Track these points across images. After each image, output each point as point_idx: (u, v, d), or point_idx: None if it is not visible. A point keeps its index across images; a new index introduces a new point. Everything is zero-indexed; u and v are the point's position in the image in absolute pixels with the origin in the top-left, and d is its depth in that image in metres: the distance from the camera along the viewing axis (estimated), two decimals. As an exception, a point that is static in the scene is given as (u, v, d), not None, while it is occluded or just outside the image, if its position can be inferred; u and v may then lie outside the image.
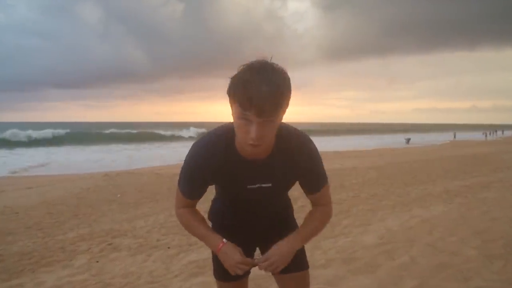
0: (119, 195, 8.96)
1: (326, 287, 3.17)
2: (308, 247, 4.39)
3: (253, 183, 1.47)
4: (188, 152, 1.47)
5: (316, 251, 4.19)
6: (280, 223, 1.77)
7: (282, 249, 1.54)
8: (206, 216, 1.75)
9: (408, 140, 41.13)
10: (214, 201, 1.78)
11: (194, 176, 1.48)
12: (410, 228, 4.90)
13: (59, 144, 38.05)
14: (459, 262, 3.51)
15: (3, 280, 4.01)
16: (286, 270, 1.62)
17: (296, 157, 1.45)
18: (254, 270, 1.71)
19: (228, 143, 1.40)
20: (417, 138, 45.85)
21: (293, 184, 1.58)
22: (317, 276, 3.42)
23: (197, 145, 1.46)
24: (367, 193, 8.23)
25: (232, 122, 1.34)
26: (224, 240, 1.52)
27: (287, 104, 1.27)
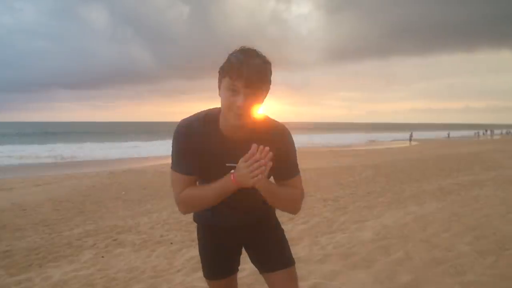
0: (123, 193, 9.03)
1: (323, 281, 3.24)
2: (306, 242, 4.53)
3: (233, 160, 1.44)
4: (173, 133, 1.53)
5: (314, 247, 4.29)
6: (263, 221, 1.75)
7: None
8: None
9: (410, 137, 40.41)
10: None
11: (182, 152, 1.50)
12: (405, 225, 4.99)
13: (67, 142, 38.14)
14: (453, 258, 3.60)
15: (12, 274, 4.07)
16: (273, 268, 1.67)
17: (276, 141, 1.49)
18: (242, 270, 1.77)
19: (210, 121, 1.49)
20: (415, 137, 45.88)
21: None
22: (314, 270, 3.51)
23: (182, 123, 1.52)
24: (363, 191, 8.32)
25: (214, 108, 1.51)
26: (231, 176, 1.42)
27: (269, 84, 1.40)
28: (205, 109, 1.56)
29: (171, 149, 1.55)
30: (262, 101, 1.41)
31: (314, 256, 3.92)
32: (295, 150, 1.62)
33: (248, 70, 1.30)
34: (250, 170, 1.34)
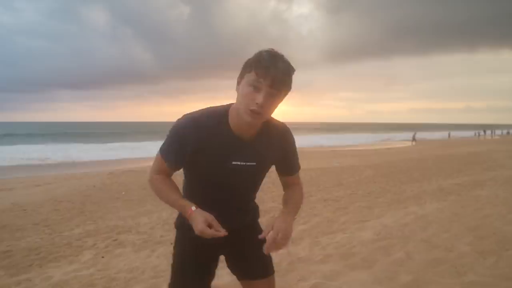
0: (123, 193, 9.02)
1: (324, 281, 3.25)
2: (306, 242, 4.53)
3: (239, 159, 1.50)
4: (178, 121, 1.49)
5: (314, 247, 4.29)
6: (248, 228, 1.75)
7: (285, 222, 1.56)
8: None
9: (414, 137, 40.01)
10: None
11: (179, 142, 1.47)
12: (405, 225, 5.00)
13: (67, 142, 38.32)
14: (453, 258, 3.61)
15: (12, 274, 4.06)
16: (254, 277, 1.73)
17: (281, 140, 1.60)
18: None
19: (221, 120, 1.48)
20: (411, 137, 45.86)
21: (270, 166, 1.67)
22: (315, 271, 3.52)
23: (189, 116, 1.49)
24: (364, 191, 8.32)
25: (221, 105, 1.52)
26: (193, 207, 1.48)
27: (289, 90, 1.44)
28: (211, 106, 1.55)
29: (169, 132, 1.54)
30: (278, 104, 1.44)
31: (314, 256, 3.93)
32: (296, 148, 1.71)
33: (275, 70, 1.33)
34: (199, 231, 1.42)
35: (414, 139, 39.16)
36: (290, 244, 1.49)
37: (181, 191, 1.65)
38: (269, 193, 8.09)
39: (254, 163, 1.54)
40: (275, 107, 1.43)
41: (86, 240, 5.26)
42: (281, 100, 1.44)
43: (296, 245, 4.39)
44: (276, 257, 3.97)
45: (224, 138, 1.47)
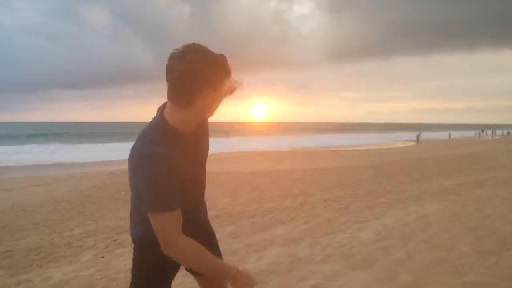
0: (123, 193, 9.02)
1: (324, 282, 3.24)
2: (306, 243, 4.52)
3: (198, 155, 1.54)
4: (143, 172, 1.32)
5: (315, 247, 4.29)
6: (203, 222, 1.79)
7: None
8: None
9: (418, 137, 39.80)
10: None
11: (172, 183, 1.34)
12: (406, 225, 5.00)
13: (67, 142, 38.39)
14: (454, 258, 3.60)
15: (12, 275, 4.07)
16: None
17: (205, 130, 1.63)
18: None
19: (165, 131, 1.39)
20: (414, 137, 45.88)
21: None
22: (315, 271, 3.51)
23: (155, 157, 1.32)
24: (364, 191, 8.32)
25: (153, 121, 1.44)
26: (239, 268, 1.49)
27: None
28: (147, 129, 1.44)
29: (148, 187, 1.32)
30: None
31: (315, 257, 3.93)
32: None
33: (226, 60, 1.35)
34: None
35: (418, 139, 39.07)
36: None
37: (136, 209, 1.56)
38: (269, 193, 8.10)
39: (205, 152, 1.63)
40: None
41: (86, 240, 5.26)
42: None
43: (296, 245, 4.39)
44: (277, 257, 3.97)
45: (181, 142, 1.42)
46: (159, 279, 1.63)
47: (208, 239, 1.74)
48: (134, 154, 1.35)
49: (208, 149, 1.69)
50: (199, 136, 1.55)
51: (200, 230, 1.70)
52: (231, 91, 1.41)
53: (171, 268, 1.66)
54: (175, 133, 1.41)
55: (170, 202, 1.33)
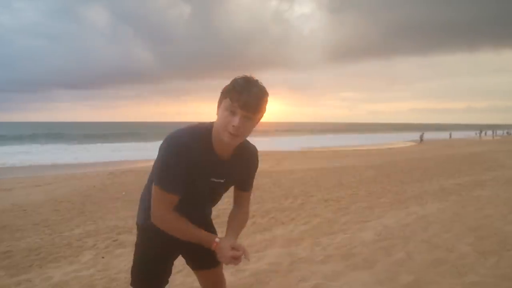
0: (124, 193, 9.04)
1: (324, 282, 3.24)
2: (307, 243, 4.51)
3: (216, 176, 1.65)
4: (166, 148, 1.52)
5: (315, 247, 4.28)
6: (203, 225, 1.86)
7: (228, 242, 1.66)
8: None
9: (421, 137, 39.55)
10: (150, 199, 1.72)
11: (175, 170, 1.52)
12: (406, 225, 4.99)
13: (67, 142, 38.42)
14: (454, 258, 3.60)
15: (12, 275, 4.07)
16: (208, 266, 1.91)
17: (249, 162, 1.76)
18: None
19: (201, 136, 1.57)
20: (415, 137, 45.87)
21: (237, 183, 1.81)
22: (316, 271, 3.51)
23: (174, 141, 1.53)
24: (365, 191, 8.32)
25: (206, 123, 1.61)
26: (216, 239, 1.62)
27: (264, 112, 1.55)
28: (194, 124, 1.63)
29: (159, 161, 1.54)
30: (254, 126, 1.56)
31: (315, 257, 3.92)
32: (257, 170, 1.85)
33: (248, 95, 1.44)
34: (229, 258, 1.57)
35: (422, 139, 38.91)
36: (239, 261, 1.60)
37: (145, 195, 1.75)
38: (269, 193, 8.10)
39: (228, 180, 1.71)
40: (251, 129, 1.55)
41: (86, 240, 5.26)
42: (256, 122, 1.55)
43: (297, 245, 4.39)
44: (277, 257, 3.97)
45: (208, 157, 1.58)
46: (155, 262, 1.80)
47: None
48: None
49: (239, 180, 1.78)
50: (235, 161, 1.66)
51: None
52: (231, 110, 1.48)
53: (168, 254, 1.83)
54: (210, 138, 1.58)
55: (171, 184, 1.53)
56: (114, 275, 3.86)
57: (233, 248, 1.59)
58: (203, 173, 1.60)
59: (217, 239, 1.61)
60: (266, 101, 1.52)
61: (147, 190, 1.73)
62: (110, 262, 4.33)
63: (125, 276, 3.80)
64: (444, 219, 5.20)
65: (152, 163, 1.66)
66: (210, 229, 1.90)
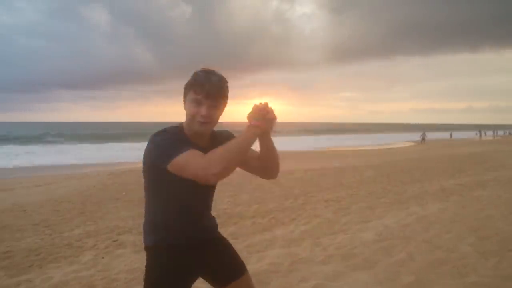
0: (124, 193, 9.03)
1: (325, 282, 3.24)
2: (307, 243, 4.51)
3: None
4: (153, 141, 1.57)
5: (316, 248, 4.28)
6: (215, 238, 1.84)
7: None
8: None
9: (423, 138, 39.36)
10: (155, 213, 1.70)
11: (180, 140, 1.56)
12: (407, 225, 4.99)
13: (67, 143, 38.45)
14: (455, 259, 3.60)
15: (12, 275, 4.06)
16: (236, 276, 1.78)
17: (229, 139, 1.67)
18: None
19: (180, 132, 1.63)
20: (415, 137, 45.88)
21: None
22: (316, 271, 3.51)
23: (160, 136, 1.58)
24: (365, 191, 8.31)
25: (176, 124, 1.67)
26: (248, 124, 1.52)
27: (227, 98, 1.63)
28: (169, 127, 1.68)
29: (159, 147, 1.55)
30: (222, 111, 1.64)
31: (316, 257, 3.92)
32: None
33: (210, 85, 1.54)
34: (263, 108, 1.51)
35: (423, 139, 38.72)
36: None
37: (150, 215, 1.72)
38: (270, 193, 8.09)
39: None
40: (219, 114, 1.63)
41: (86, 240, 5.24)
42: (223, 108, 1.63)
43: (297, 245, 4.38)
44: (277, 258, 3.96)
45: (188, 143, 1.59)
46: (171, 285, 1.65)
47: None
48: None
49: None
50: (213, 146, 1.56)
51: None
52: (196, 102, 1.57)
53: (186, 278, 1.69)
54: (183, 132, 1.63)
55: (180, 146, 1.49)
56: (114, 276, 3.85)
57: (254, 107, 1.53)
58: None
59: (248, 123, 1.52)
60: (227, 87, 1.62)
61: (148, 208, 1.72)
62: (110, 263, 4.32)
63: (125, 276, 3.81)
64: (445, 219, 5.20)
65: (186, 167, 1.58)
66: (213, 221, 1.84)
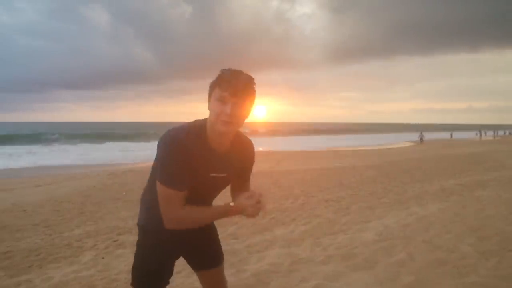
0: (124, 193, 9.04)
1: (325, 282, 3.24)
2: (307, 243, 4.51)
3: (215, 171, 1.65)
4: (163, 148, 1.54)
5: (316, 248, 4.28)
6: (208, 232, 1.94)
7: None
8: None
9: (421, 138, 39.35)
10: (152, 194, 1.67)
11: (179, 166, 1.53)
12: (407, 225, 4.99)
13: (68, 143, 38.48)
14: (455, 259, 3.60)
15: (12, 275, 4.05)
16: (210, 266, 1.93)
17: (247, 153, 1.78)
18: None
19: (197, 132, 1.59)
20: (415, 137, 45.91)
21: (236, 175, 1.80)
22: (316, 272, 3.51)
23: (170, 139, 1.54)
24: (365, 191, 8.31)
25: (200, 120, 1.63)
26: (231, 203, 1.61)
27: (254, 97, 1.57)
28: (189, 121, 1.65)
29: (163, 164, 1.55)
30: (249, 112, 1.58)
31: (316, 257, 3.92)
32: (254, 160, 1.88)
33: (236, 82, 1.48)
34: (252, 204, 1.55)
35: (421, 139, 38.69)
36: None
37: (146, 196, 1.76)
38: (270, 193, 8.09)
39: (227, 174, 1.71)
40: (245, 115, 1.56)
41: (86, 241, 5.24)
42: (249, 108, 1.57)
43: (297, 246, 4.38)
44: (278, 258, 3.96)
45: (204, 152, 1.59)
46: (157, 263, 1.79)
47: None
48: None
49: (239, 172, 1.78)
50: (233, 154, 1.68)
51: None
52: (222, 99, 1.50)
53: (169, 255, 1.82)
54: (205, 133, 1.60)
55: (175, 181, 1.52)
56: (115, 276, 3.84)
57: (248, 197, 1.58)
58: (202, 169, 1.61)
59: (231, 203, 1.61)
60: (254, 86, 1.56)
61: (148, 191, 1.73)
62: (110, 263, 4.31)
63: (125, 276, 3.79)
64: (445, 220, 5.20)
65: (152, 162, 1.65)
66: (211, 224, 1.94)
